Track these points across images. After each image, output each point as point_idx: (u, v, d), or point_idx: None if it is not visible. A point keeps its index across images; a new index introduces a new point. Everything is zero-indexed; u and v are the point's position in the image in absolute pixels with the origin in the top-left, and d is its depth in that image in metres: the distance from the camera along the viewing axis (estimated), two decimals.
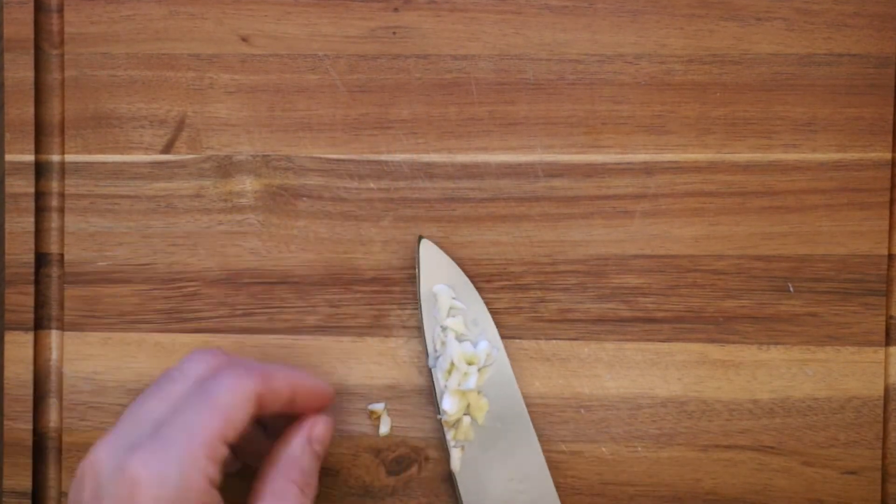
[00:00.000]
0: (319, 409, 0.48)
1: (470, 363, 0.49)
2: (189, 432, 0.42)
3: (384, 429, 0.50)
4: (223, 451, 0.43)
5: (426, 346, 0.50)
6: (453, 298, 0.50)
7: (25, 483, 0.52)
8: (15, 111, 0.52)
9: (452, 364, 0.49)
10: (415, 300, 0.51)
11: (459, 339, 0.50)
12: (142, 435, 0.43)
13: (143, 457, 0.42)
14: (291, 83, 0.52)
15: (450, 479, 0.50)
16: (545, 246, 0.51)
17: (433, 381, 0.50)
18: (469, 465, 0.50)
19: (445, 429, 0.50)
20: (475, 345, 0.50)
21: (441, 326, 0.50)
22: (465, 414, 0.50)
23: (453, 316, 0.50)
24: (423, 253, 0.50)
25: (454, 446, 0.50)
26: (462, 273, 0.50)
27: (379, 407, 0.50)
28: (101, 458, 0.42)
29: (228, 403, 0.43)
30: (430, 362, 0.50)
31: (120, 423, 0.44)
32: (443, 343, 0.50)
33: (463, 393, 0.49)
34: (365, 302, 0.51)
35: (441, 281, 0.50)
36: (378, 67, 0.51)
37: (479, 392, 0.49)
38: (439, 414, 0.50)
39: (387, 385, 0.51)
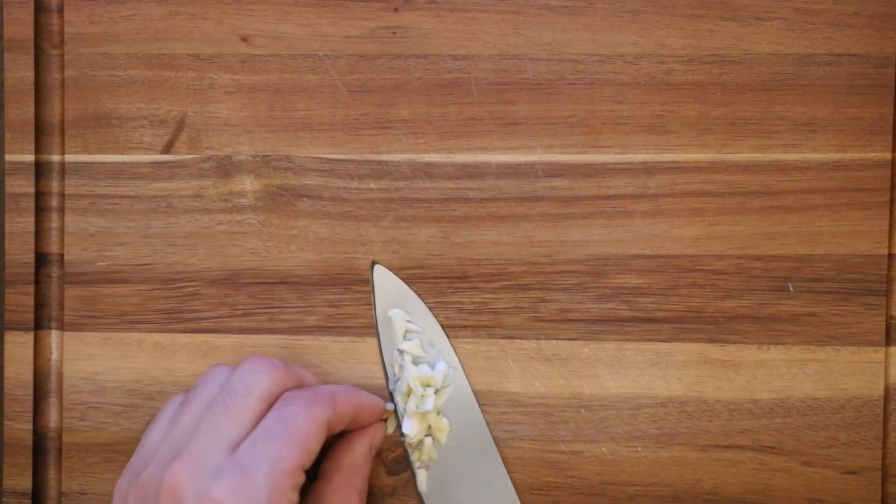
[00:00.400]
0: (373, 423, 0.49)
1: (427, 385, 0.50)
2: (273, 463, 0.43)
3: (388, 429, 0.50)
4: (302, 478, 0.44)
5: (384, 370, 0.51)
6: (408, 322, 0.51)
7: (25, 483, 0.52)
8: (15, 111, 0.52)
9: (410, 387, 0.50)
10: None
11: (416, 361, 0.50)
12: (220, 460, 0.43)
13: (231, 484, 0.42)
14: (291, 83, 0.52)
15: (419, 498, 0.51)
16: (545, 246, 0.51)
17: (393, 406, 0.50)
18: (435, 484, 0.50)
19: (409, 450, 0.50)
20: (432, 366, 0.50)
21: (398, 350, 0.50)
22: (427, 435, 0.50)
23: (409, 339, 0.50)
24: (377, 278, 0.51)
25: (419, 467, 0.50)
26: (416, 297, 0.51)
27: (392, 407, 0.50)
28: (184, 483, 0.42)
29: (306, 433, 0.44)
30: (390, 386, 0.51)
31: (193, 444, 0.44)
32: (400, 366, 0.50)
33: (423, 415, 0.50)
34: (365, 302, 0.51)
35: (395, 305, 0.51)
36: (378, 67, 0.51)
37: (438, 413, 0.50)
38: (402, 437, 0.50)
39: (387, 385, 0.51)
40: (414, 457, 0.50)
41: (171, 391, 0.52)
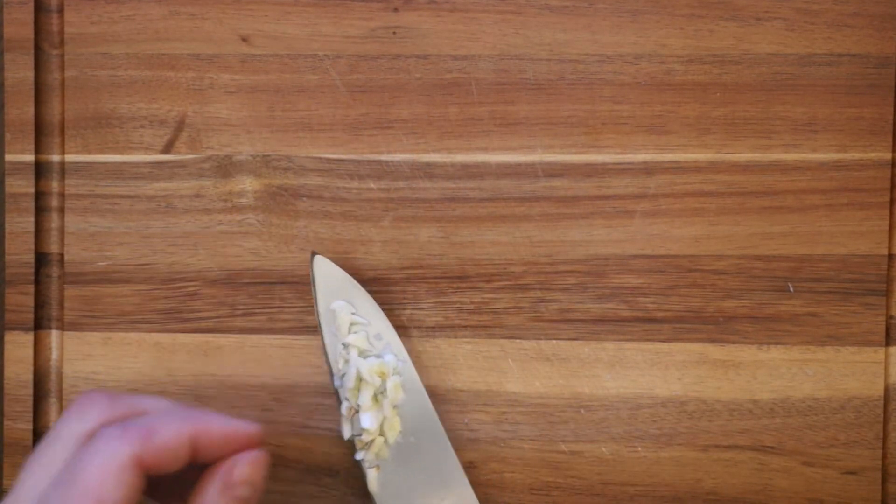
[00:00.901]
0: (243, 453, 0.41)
1: (381, 375, 0.48)
2: None
3: (344, 434, 0.49)
4: None
5: (329, 366, 0.49)
6: (353, 314, 0.49)
7: None
8: (15, 111, 0.52)
9: (361, 380, 0.48)
10: (415, 300, 0.51)
11: (363, 355, 0.49)
12: None
13: None
14: (291, 83, 0.52)
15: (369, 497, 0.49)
16: (545, 246, 0.51)
17: (338, 404, 0.49)
18: (388, 484, 0.49)
19: (358, 449, 0.49)
20: (380, 359, 0.49)
21: (342, 344, 0.49)
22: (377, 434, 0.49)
23: (355, 332, 0.49)
24: (318, 270, 0.49)
25: (369, 467, 0.49)
26: (360, 287, 0.49)
27: (345, 408, 0.49)
28: None
29: (96, 480, 0.37)
30: (336, 382, 0.49)
31: (8, 496, 0.39)
32: (346, 361, 0.49)
33: (380, 407, 0.48)
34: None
35: (339, 297, 0.49)
36: (378, 67, 0.51)
37: (394, 407, 0.49)
38: (347, 436, 0.49)
39: None
40: (362, 455, 0.49)
41: (171, 391, 0.52)
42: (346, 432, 0.49)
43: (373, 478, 0.49)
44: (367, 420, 0.48)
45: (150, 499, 0.42)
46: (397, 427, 0.49)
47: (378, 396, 0.49)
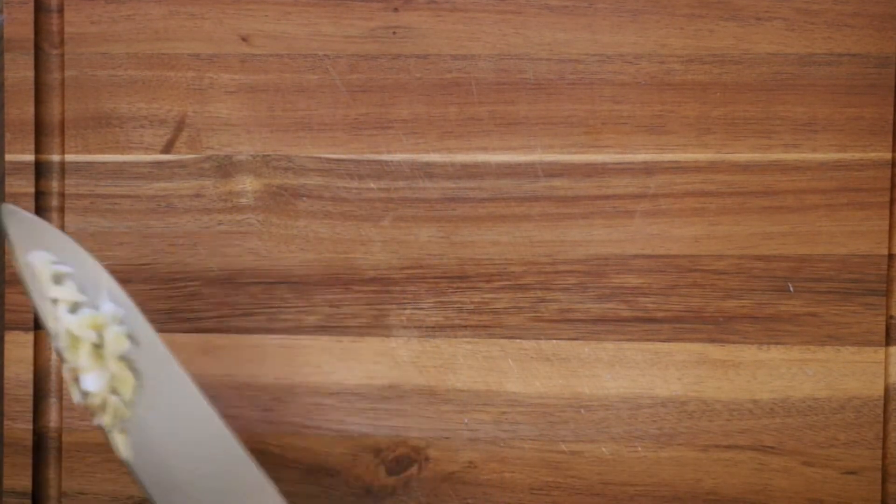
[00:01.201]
0: None
1: (97, 329, 0.43)
2: None
3: (74, 398, 0.43)
4: None
5: (44, 327, 0.43)
6: (55, 264, 0.43)
7: (25, 483, 0.52)
8: (15, 111, 0.52)
9: (76, 338, 0.42)
10: (415, 300, 0.51)
11: (75, 309, 0.43)
12: None
13: None
14: (291, 83, 0.52)
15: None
16: (545, 246, 0.51)
17: (62, 368, 0.44)
18: (141, 447, 0.43)
19: (96, 416, 0.43)
20: (95, 310, 0.43)
21: (50, 299, 0.43)
22: (109, 393, 0.43)
23: (60, 284, 0.43)
24: (9, 221, 0.43)
25: (112, 431, 0.43)
26: (62, 233, 0.44)
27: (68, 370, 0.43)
28: None
29: None
30: (55, 344, 0.43)
31: None
32: (56, 318, 0.43)
33: (102, 362, 0.42)
34: (365, 302, 0.51)
35: (36, 247, 0.43)
36: (378, 67, 0.51)
37: (120, 360, 0.43)
38: (76, 401, 0.43)
39: (387, 385, 0.51)
40: (103, 421, 0.43)
41: None
42: (76, 397, 0.43)
43: (120, 443, 0.43)
44: (90, 381, 0.42)
45: None
46: (130, 382, 0.43)
47: (100, 352, 0.43)
